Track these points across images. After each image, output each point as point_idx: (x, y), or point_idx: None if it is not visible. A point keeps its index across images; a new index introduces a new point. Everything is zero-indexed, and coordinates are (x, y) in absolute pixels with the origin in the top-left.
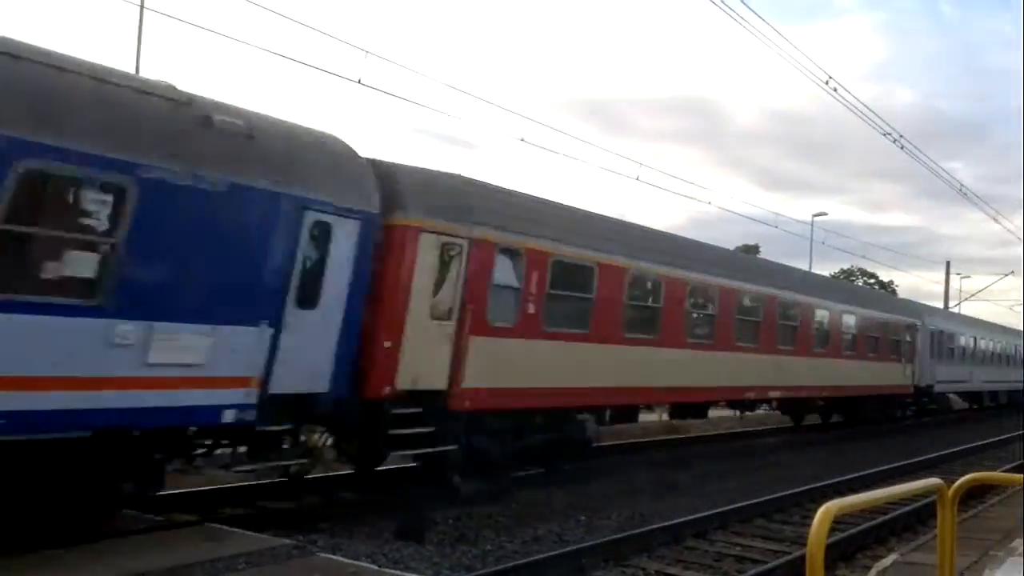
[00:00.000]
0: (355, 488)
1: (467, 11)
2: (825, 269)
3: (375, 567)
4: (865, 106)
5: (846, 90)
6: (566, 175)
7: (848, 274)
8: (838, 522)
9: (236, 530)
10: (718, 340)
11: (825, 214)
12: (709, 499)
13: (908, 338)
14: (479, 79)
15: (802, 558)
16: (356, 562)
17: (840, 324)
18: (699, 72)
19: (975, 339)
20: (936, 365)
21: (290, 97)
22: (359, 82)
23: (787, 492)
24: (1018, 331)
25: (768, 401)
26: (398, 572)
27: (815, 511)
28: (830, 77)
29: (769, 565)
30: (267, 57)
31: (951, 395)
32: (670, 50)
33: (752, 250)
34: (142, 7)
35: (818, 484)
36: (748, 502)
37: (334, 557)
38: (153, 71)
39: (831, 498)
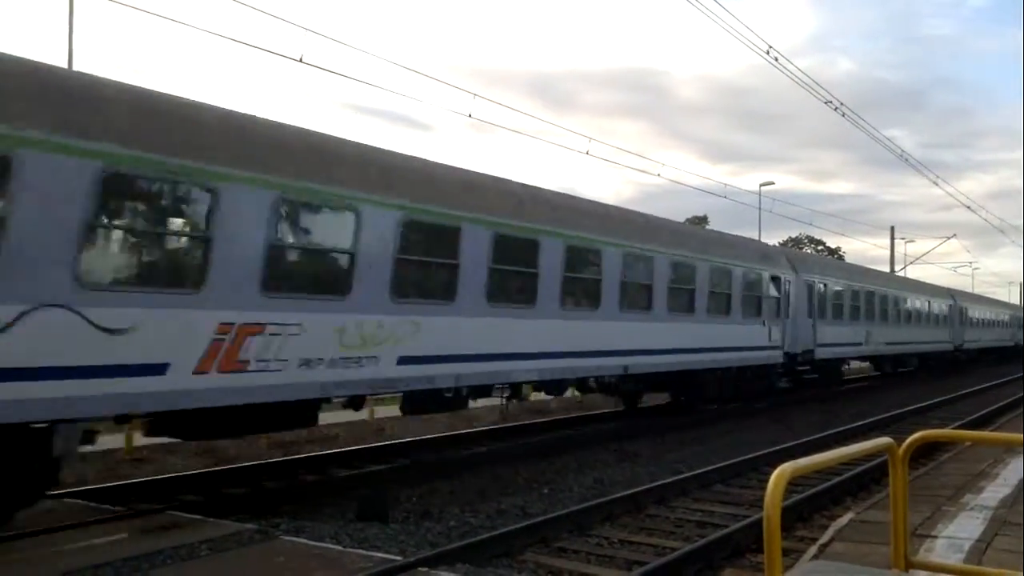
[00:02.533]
0: (317, 470)
1: None
2: (774, 238)
3: (339, 547)
4: (806, 75)
5: (787, 60)
6: (517, 152)
7: (796, 242)
8: (795, 484)
9: (197, 517)
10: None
11: (772, 183)
12: (669, 467)
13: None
14: (422, 55)
15: (761, 520)
16: (320, 544)
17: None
18: (643, 45)
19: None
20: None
21: (232, 77)
22: (301, 60)
23: (745, 457)
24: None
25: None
26: (363, 552)
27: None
28: (770, 47)
29: (729, 529)
30: (207, 38)
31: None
32: (613, 23)
33: (701, 221)
34: None
35: (774, 448)
36: (707, 468)
37: (298, 540)
38: (86, 53)
39: (786, 461)
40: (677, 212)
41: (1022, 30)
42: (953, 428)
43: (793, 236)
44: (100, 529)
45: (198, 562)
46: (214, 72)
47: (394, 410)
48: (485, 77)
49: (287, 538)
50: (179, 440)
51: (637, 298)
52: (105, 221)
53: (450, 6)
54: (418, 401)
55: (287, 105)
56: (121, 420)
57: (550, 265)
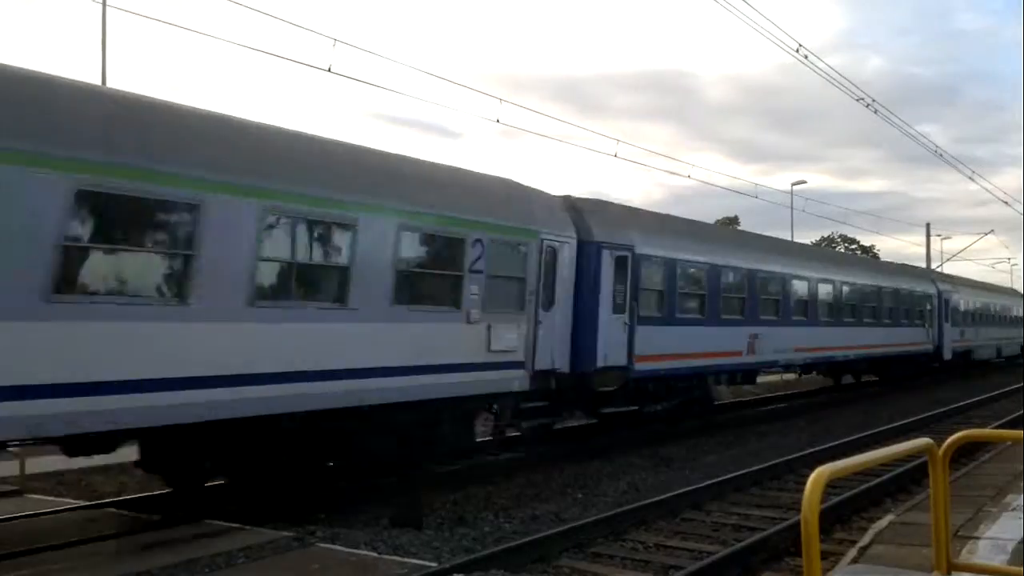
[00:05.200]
0: (352, 477)
1: None
2: (807, 237)
3: (375, 554)
4: (837, 72)
5: (817, 57)
6: (546, 156)
7: (829, 241)
8: (833, 486)
9: (235, 525)
10: None
11: (804, 182)
12: (703, 471)
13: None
14: (449, 62)
15: (799, 523)
16: (355, 551)
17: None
18: (670, 47)
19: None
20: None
21: (261, 88)
22: (329, 70)
23: (781, 459)
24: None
25: None
26: (398, 558)
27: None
28: (800, 45)
29: (767, 532)
30: (236, 50)
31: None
32: (639, 25)
33: (733, 222)
34: (104, 4)
35: (811, 450)
36: (742, 471)
37: (333, 547)
38: (119, 69)
39: (824, 463)
40: (708, 213)
41: (1022, 29)
42: (994, 427)
43: (826, 235)
44: (140, 538)
45: (236, 570)
46: (243, 84)
47: None
48: (513, 83)
49: (323, 545)
50: None
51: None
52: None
53: (477, 13)
54: None
55: (316, 116)
56: None
57: None
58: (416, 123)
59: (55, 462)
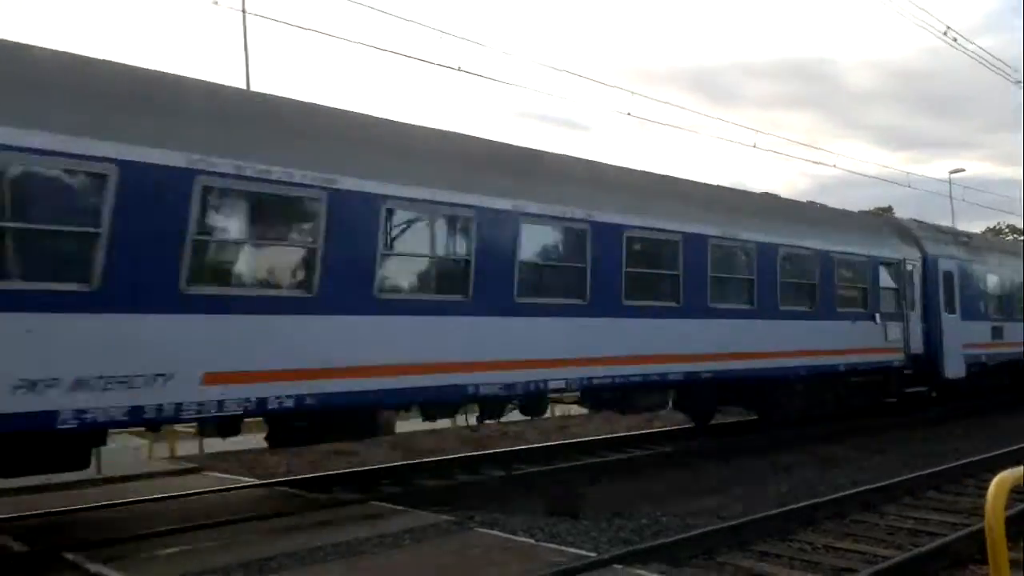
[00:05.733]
0: (503, 466)
1: None
2: (969, 228)
3: (532, 541)
4: (989, 54)
5: (967, 39)
6: (680, 147)
7: (997, 232)
8: (1019, 492)
9: (398, 507)
10: None
11: (963, 170)
12: (872, 471)
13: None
14: (577, 56)
15: (982, 530)
16: (513, 536)
17: None
18: (807, 34)
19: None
20: None
21: (393, 89)
22: (459, 69)
23: (959, 463)
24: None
25: None
26: (555, 546)
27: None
28: (948, 27)
29: (948, 538)
30: (369, 52)
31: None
32: (775, 13)
33: (886, 211)
34: (244, 12)
35: (993, 453)
36: (917, 474)
37: (492, 532)
38: (261, 73)
39: (1006, 468)
40: (856, 203)
41: (1022, 29)
42: None
43: (992, 225)
44: (308, 516)
45: (401, 550)
46: (377, 85)
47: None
48: (647, 76)
49: (481, 530)
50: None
51: None
52: None
53: (613, 9)
54: None
55: (450, 114)
56: None
57: None
58: (548, 118)
59: (234, 442)
